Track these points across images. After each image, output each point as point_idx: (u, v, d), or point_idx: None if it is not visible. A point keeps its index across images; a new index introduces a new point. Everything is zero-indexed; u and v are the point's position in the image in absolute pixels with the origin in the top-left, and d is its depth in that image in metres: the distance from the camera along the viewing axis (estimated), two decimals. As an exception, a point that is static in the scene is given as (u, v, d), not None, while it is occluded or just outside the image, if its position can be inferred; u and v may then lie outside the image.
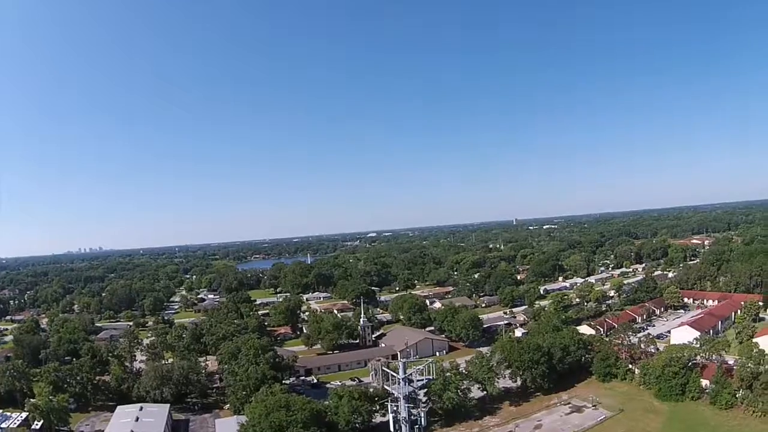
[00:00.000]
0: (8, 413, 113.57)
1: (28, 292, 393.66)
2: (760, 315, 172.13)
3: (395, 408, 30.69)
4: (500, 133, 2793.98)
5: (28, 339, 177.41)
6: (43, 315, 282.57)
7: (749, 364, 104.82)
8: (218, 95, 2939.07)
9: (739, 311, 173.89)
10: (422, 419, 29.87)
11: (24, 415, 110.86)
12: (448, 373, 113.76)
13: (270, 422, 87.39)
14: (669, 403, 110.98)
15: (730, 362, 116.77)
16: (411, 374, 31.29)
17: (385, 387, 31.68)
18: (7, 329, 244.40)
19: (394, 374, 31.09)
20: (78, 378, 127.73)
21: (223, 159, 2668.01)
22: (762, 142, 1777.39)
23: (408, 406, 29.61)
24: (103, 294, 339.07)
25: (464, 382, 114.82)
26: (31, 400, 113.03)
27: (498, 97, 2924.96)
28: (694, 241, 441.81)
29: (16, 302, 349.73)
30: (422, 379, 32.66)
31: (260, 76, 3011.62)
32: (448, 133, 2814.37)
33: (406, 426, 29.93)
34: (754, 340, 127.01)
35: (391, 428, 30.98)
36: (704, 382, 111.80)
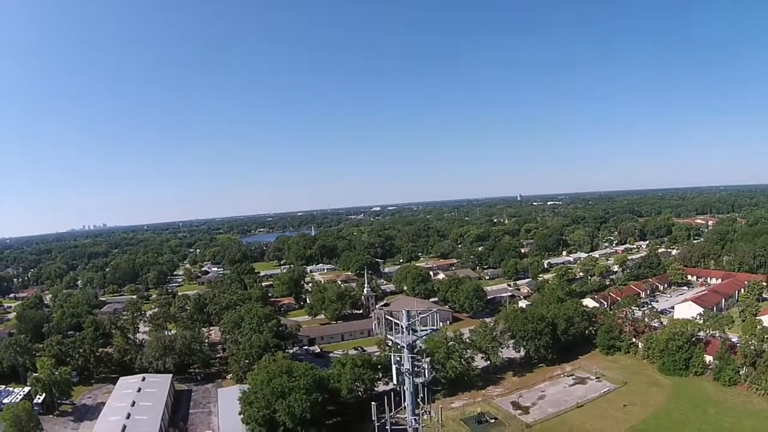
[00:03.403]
0: (11, 388, 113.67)
1: (31, 270, 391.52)
2: (764, 295, 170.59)
3: (398, 359, 29.40)
4: (506, 109, 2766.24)
5: (31, 314, 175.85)
6: (47, 291, 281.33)
7: (753, 342, 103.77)
8: (220, 72, 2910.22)
9: (742, 290, 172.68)
10: (426, 371, 28.62)
11: (26, 389, 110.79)
12: (451, 342, 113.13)
13: (272, 388, 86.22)
14: (672, 378, 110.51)
15: (734, 340, 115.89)
16: (414, 323, 30.02)
17: (389, 336, 30.11)
18: (10, 306, 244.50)
19: (398, 322, 29.76)
20: (81, 351, 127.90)
21: (226, 134, 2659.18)
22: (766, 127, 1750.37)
23: (412, 357, 28.35)
24: (107, 269, 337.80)
25: (468, 351, 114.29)
26: (34, 374, 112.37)
27: (503, 73, 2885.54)
28: (698, 220, 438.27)
29: (20, 280, 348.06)
30: (426, 329, 31.43)
31: (260, 53, 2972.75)
32: (453, 110, 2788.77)
33: (409, 378, 28.67)
34: (757, 317, 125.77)
35: (395, 380, 29.66)
36: (708, 358, 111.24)
